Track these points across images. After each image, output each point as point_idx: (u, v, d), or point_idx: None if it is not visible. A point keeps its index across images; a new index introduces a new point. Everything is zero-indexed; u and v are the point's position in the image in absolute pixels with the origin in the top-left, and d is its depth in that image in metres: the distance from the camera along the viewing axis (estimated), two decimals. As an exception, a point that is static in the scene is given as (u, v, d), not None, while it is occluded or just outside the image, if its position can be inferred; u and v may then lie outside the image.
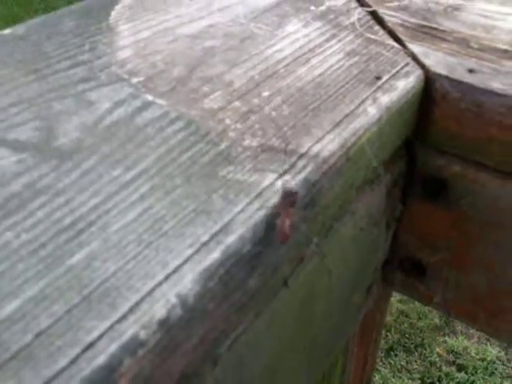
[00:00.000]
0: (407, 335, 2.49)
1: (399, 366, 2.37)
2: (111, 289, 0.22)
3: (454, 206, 0.39)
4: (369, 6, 0.43)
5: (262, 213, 0.25)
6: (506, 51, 0.39)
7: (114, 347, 0.20)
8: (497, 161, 0.36)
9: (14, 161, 0.27)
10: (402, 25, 0.41)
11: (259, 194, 0.26)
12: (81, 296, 0.21)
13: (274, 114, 0.32)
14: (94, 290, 0.22)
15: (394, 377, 2.36)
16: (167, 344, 0.22)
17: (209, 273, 0.23)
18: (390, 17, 0.42)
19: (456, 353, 2.43)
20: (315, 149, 0.29)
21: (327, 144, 0.30)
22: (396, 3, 0.43)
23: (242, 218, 0.25)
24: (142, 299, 0.22)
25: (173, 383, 0.23)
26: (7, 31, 0.37)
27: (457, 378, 2.30)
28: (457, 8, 0.44)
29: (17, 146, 0.28)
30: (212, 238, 0.24)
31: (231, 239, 0.24)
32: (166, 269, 0.23)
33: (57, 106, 0.31)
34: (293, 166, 0.28)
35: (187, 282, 0.22)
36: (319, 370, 0.39)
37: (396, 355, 2.43)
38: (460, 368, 2.36)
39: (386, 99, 0.33)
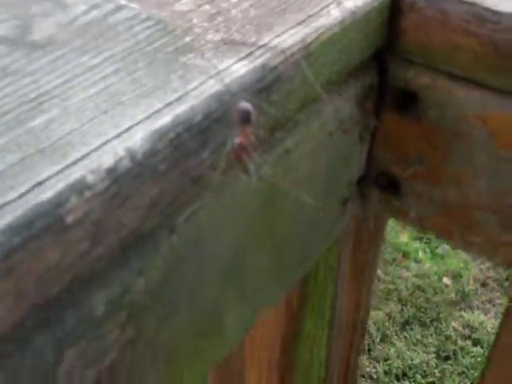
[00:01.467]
0: (423, 309, 2.49)
1: (414, 340, 2.38)
2: (66, 144, 0.24)
3: (424, 117, 0.40)
4: None
5: (215, 88, 0.27)
6: None
7: (61, 186, 0.22)
8: (463, 69, 0.37)
9: None
10: None
11: (216, 74, 0.28)
12: (36, 149, 0.23)
13: (240, 15, 0.33)
14: (50, 146, 0.24)
15: (409, 350, 2.37)
16: (116, 193, 0.23)
17: (159, 134, 0.25)
18: None
19: (472, 327, 2.43)
20: (275, 41, 0.31)
21: (287, 38, 0.31)
22: None
23: (196, 93, 0.27)
24: (93, 151, 0.23)
25: (125, 234, 0.24)
26: None
27: (472, 352, 2.30)
28: None
29: None
30: (165, 106, 0.26)
31: (183, 108, 0.26)
32: (118, 129, 0.24)
33: (35, 7, 0.33)
34: (251, 54, 0.30)
35: (137, 140, 0.24)
36: (292, 278, 0.41)
37: (412, 329, 2.43)
38: (476, 342, 2.36)
39: (350, 4, 0.35)
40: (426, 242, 2.67)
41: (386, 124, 0.42)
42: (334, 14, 0.34)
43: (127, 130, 0.24)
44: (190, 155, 0.26)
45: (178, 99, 0.26)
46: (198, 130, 0.26)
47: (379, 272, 2.95)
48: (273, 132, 0.32)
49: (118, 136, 0.24)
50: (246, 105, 0.28)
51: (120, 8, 0.33)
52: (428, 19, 0.37)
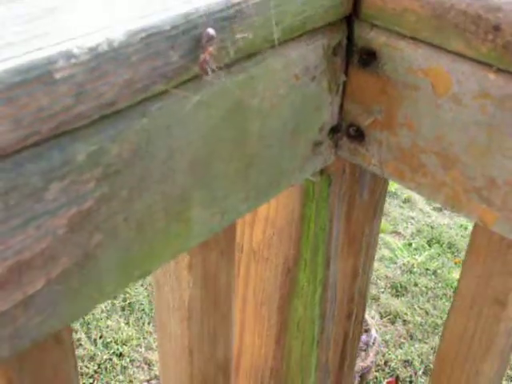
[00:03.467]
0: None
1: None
2: (65, 28, 0.33)
3: (381, 72, 0.48)
4: None
5: (186, 9, 0.36)
6: None
7: (54, 51, 0.31)
8: (410, 29, 0.45)
9: None
10: None
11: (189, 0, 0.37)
12: (44, 30, 0.33)
13: None
14: (55, 28, 0.33)
15: None
16: (95, 67, 0.33)
17: (133, 32, 0.34)
18: None
19: None
20: None
21: None
22: None
23: (170, 10, 0.36)
24: (82, 36, 0.33)
25: (102, 103, 0.33)
26: None
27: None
28: None
29: None
30: (143, 16, 0.35)
31: (155, 18, 0.35)
32: (105, 24, 0.34)
33: None
34: None
35: (116, 33, 0.33)
36: (261, 196, 0.49)
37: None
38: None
39: (315, -32, 0.43)
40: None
41: (352, 79, 0.50)
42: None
43: (110, 26, 0.34)
44: (159, 55, 0.36)
45: (155, 13, 0.36)
46: (167, 36, 0.35)
47: (428, 306, 2.96)
48: (238, 59, 0.41)
49: (103, 28, 0.33)
50: (210, 29, 0.37)
51: None
52: (383, -13, 0.45)
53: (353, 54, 0.49)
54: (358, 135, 0.52)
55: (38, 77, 0.31)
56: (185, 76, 0.38)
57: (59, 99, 0.32)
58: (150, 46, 0.35)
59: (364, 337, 2.63)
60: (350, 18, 0.48)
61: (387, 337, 2.79)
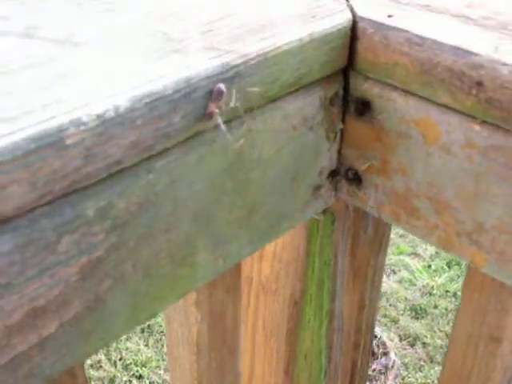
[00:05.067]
0: None
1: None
2: (76, 96, 0.37)
3: (375, 121, 0.51)
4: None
5: (186, 74, 0.39)
6: (427, 5, 0.51)
7: (65, 120, 0.34)
8: (401, 82, 0.48)
9: None
10: None
11: (188, 66, 0.40)
12: (58, 97, 0.36)
13: (225, 30, 0.46)
14: (68, 95, 0.36)
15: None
16: (103, 131, 0.36)
17: (138, 98, 0.37)
18: None
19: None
20: (241, 50, 0.43)
21: (251, 48, 0.43)
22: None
23: (171, 75, 0.39)
24: (92, 103, 0.36)
25: (110, 162, 0.37)
26: None
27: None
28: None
29: None
30: (147, 82, 0.38)
31: (158, 83, 0.38)
32: (112, 92, 0.37)
33: None
34: (220, 56, 0.42)
35: (121, 100, 0.37)
36: (263, 239, 0.52)
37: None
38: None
39: (309, 29, 0.47)
40: None
41: (349, 127, 0.53)
42: (295, 34, 0.46)
43: (117, 93, 0.37)
44: (162, 117, 0.39)
45: (159, 78, 0.39)
46: (169, 99, 0.39)
47: (448, 328, 2.94)
48: (238, 115, 0.44)
49: (112, 96, 0.37)
50: (221, 85, 0.41)
51: None
52: (375, 43, 0.48)
53: (349, 103, 0.52)
54: (356, 179, 0.54)
55: (51, 143, 0.34)
56: (186, 134, 0.41)
57: (70, 162, 0.35)
58: (153, 110, 0.38)
59: (383, 360, 2.63)
60: (347, 70, 0.51)
61: (406, 360, 2.78)
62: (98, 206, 0.38)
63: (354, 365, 0.82)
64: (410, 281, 3.17)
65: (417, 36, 0.46)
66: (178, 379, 0.64)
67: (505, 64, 0.43)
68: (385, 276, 3.08)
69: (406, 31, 0.47)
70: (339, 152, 0.55)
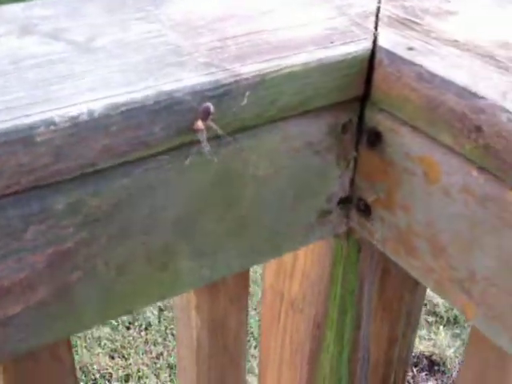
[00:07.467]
0: None
1: None
2: (57, 99, 0.39)
3: (384, 154, 0.50)
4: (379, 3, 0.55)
5: (171, 87, 0.41)
6: (455, 41, 0.49)
7: (37, 119, 0.37)
8: (409, 117, 0.47)
9: None
10: (389, 16, 0.53)
11: (178, 79, 0.42)
12: (42, 98, 0.39)
13: (234, 48, 0.47)
14: (48, 98, 0.39)
15: None
16: (75, 133, 0.38)
17: (114, 106, 0.39)
18: (386, 10, 0.54)
19: None
20: (236, 69, 0.44)
21: (248, 68, 0.44)
22: (400, 2, 0.55)
23: (156, 88, 0.41)
24: (69, 106, 0.38)
25: (83, 163, 0.39)
26: None
27: None
28: (452, 13, 0.54)
29: None
30: (129, 92, 0.40)
31: (140, 94, 0.40)
32: (94, 97, 0.39)
33: None
34: (213, 73, 0.43)
35: (97, 105, 0.39)
36: (258, 257, 0.52)
37: None
38: None
39: (320, 54, 0.46)
40: None
41: (362, 156, 0.52)
42: (302, 58, 0.46)
43: (97, 99, 0.39)
44: (141, 126, 0.40)
45: (144, 88, 0.41)
46: (149, 110, 0.40)
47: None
48: (228, 133, 0.44)
49: (89, 101, 0.39)
50: (208, 104, 0.42)
51: None
52: (388, 74, 0.47)
53: (363, 132, 0.51)
54: (366, 209, 0.53)
55: (20, 139, 0.37)
56: (168, 145, 0.42)
57: (38, 158, 0.38)
58: (130, 119, 0.40)
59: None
60: (364, 99, 0.50)
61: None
62: (68, 201, 0.40)
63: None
64: None
65: (427, 72, 0.45)
66: (183, 379, 0.65)
67: (505, 111, 0.40)
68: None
69: (419, 66, 0.45)
70: (352, 180, 0.54)
